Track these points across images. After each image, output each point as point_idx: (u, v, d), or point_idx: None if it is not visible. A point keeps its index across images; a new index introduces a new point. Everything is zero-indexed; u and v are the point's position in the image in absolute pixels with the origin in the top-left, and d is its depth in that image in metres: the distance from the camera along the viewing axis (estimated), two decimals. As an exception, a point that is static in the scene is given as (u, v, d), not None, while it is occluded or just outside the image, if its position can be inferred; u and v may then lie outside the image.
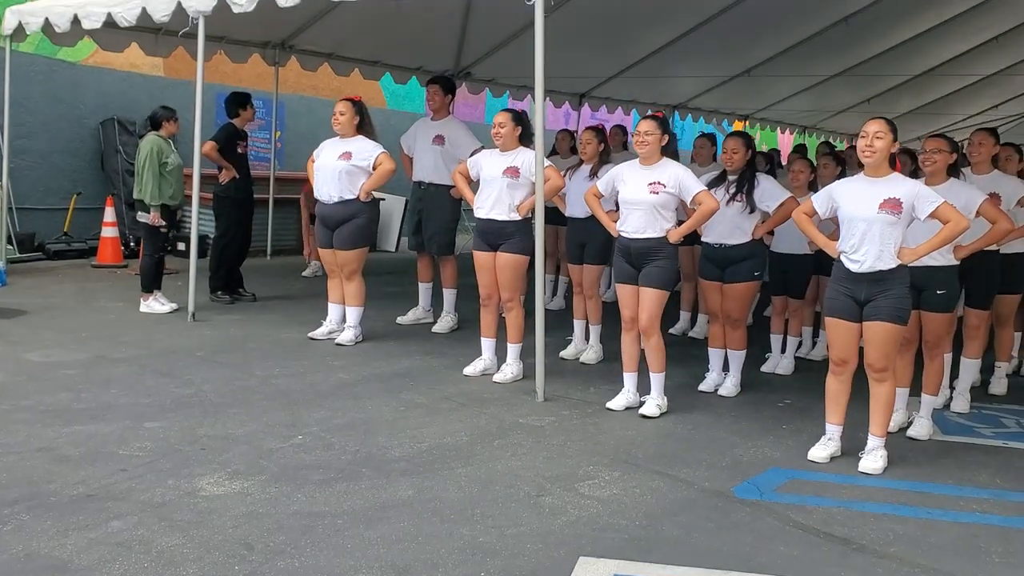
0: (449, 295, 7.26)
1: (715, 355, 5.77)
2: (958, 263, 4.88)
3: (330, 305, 6.69)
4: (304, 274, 9.60)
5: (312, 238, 9.07)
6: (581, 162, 6.47)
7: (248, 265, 8.33)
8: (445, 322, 7.21)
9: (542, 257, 5.59)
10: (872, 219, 4.28)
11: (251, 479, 3.96)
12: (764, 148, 18.36)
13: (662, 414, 5.11)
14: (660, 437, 4.79)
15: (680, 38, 10.17)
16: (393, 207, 12.11)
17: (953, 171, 4.96)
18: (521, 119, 5.85)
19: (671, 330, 7.37)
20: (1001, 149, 5.75)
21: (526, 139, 5.82)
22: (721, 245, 5.53)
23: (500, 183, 5.71)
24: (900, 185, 4.33)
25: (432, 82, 7.44)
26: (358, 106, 6.59)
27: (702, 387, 5.73)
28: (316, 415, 4.88)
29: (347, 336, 6.52)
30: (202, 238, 9.72)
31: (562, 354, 6.45)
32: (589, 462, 4.33)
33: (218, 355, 6.10)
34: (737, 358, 5.70)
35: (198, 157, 7.28)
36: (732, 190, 5.53)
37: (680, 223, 5.29)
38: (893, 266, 4.31)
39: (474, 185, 6.02)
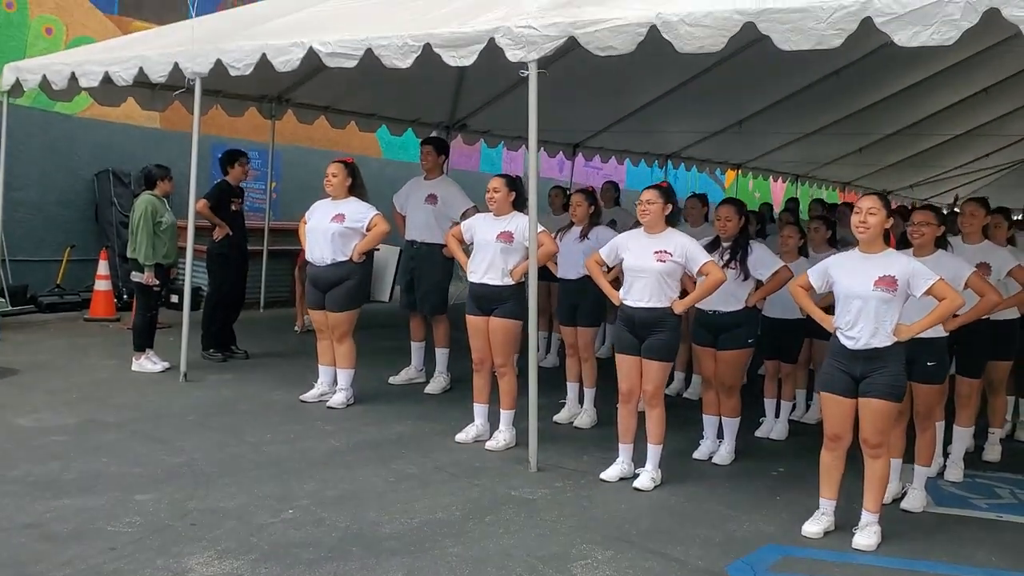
0: (441, 355, 7.25)
1: (709, 422, 5.75)
2: (948, 335, 4.89)
3: (320, 367, 6.67)
4: (296, 328, 9.57)
5: (303, 306, 9.00)
6: (572, 223, 6.51)
7: (241, 318, 8.32)
8: (438, 383, 7.19)
9: (535, 322, 5.59)
10: (867, 296, 4.29)
11: (241, 558, 3.91)
12: (756, 196, 18.55)
13: (656, 487, 5.08)
14: (654, 510, 4.76)
15: (672, 91, 10.26)
16: (388, 258, 12.07)
17: (941, 243, 4.98)
18: (515, 184, 5.86)
19: (665, 391, 7.34)
20: (991, 217, 5.78)
21: (520, 204, 5.83)
22: (715, 312, 5.54)
23: (494, 248, 5.71)
24: (895, 262, 4.35)
25: (425, 143, 7.50)
26: (350, 168, 6.62)
27: (696, 455, 5.71)
28: (307, 486, 4.84)
29: (338, 399, 6.50)
30: (195, 290, 9.71)
31: (556, 418, 6.42)
32: (582, 539, 4.29)
33: (210, 419, 6.06)
34: (731, 426, 5.69)
35: (192, 211, 7.32)
36: (726, 257, 5.56)
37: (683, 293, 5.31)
38: (889, 343, 4.31)
39: (468, 247, 6.03)
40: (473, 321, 5.82)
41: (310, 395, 6.61)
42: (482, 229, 5.82)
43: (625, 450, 5.23)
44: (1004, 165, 16.62)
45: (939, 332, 4.82)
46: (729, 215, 5.58)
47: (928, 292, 4.30)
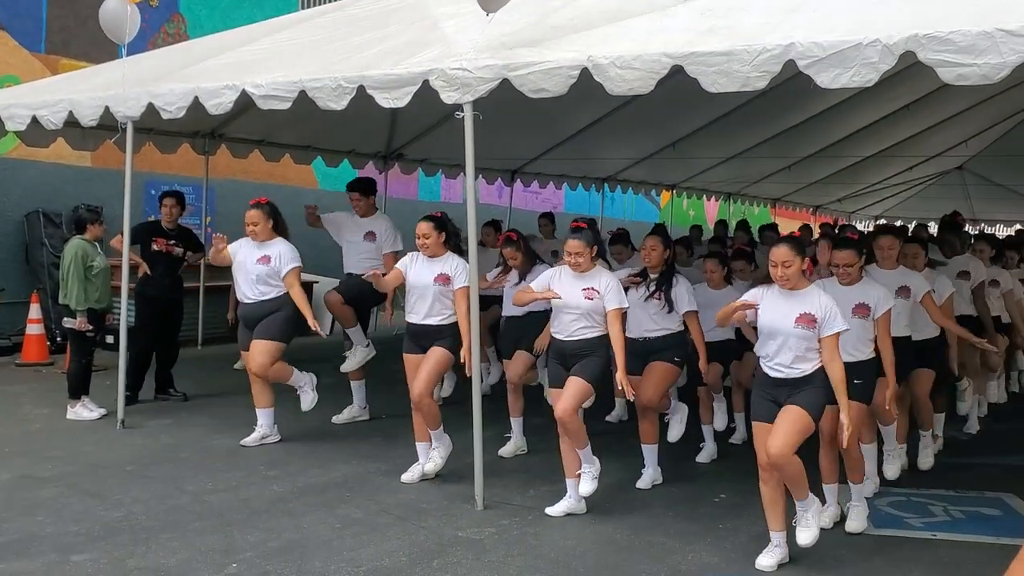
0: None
1: (649, 451, 5.83)
2: (874, 356, 5.07)
3: (258, 411, 6.61)
4: (236, 367, 9.44)
5: None
6: (509, 268, 6.54)
7: (180, 356, 8.19)
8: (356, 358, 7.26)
9: (478, 357, 5.60)
10: (788, 332, 4.43)
11: (185, 619, 3.85)
12: (691, 215, 18.87)
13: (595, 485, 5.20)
14: (600, 545, 4.80)
15: (606, 116, 10.40)
16: (326, 289, 12.02)
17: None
18: (444, 224, 5.86)
19: (608, 417, 7.43)
20: (907, 246, 5.95)
21: (452, 242, 5.87)
22: (644, 338, 5.67)
23: (432, 291, 5.74)
24: (816, 300, 4.47)
25: (351, 188, 7.45)
26: (268, 209, 6.58)
27: (640, 484, 5.78)
28: (251, 538, 4.78)
29: (252, 438, 6.51)
30: (132, 331, 9.54)
31: (501, 452, 6.44)
32: (530, 580, 4.32)
33: (149, 468, 5.95)
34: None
35: (127, 250, 7.22)
36: (652, 288, 5.70)
37: None
38: (811, 370, 4.44)
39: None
40: (411, 359, 5.84)
41: (251, 439, 6.53)
42: (417, 271, 5.83)
43: (572, 485, 5.27)
44: (926, 177, 17.15)
45: (868, 354, 5.02)
46: (654, 245, 5.72)
47: (827, 337, 4.40)
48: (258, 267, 6.44)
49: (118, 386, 7.05)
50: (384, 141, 11.12)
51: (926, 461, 6.28)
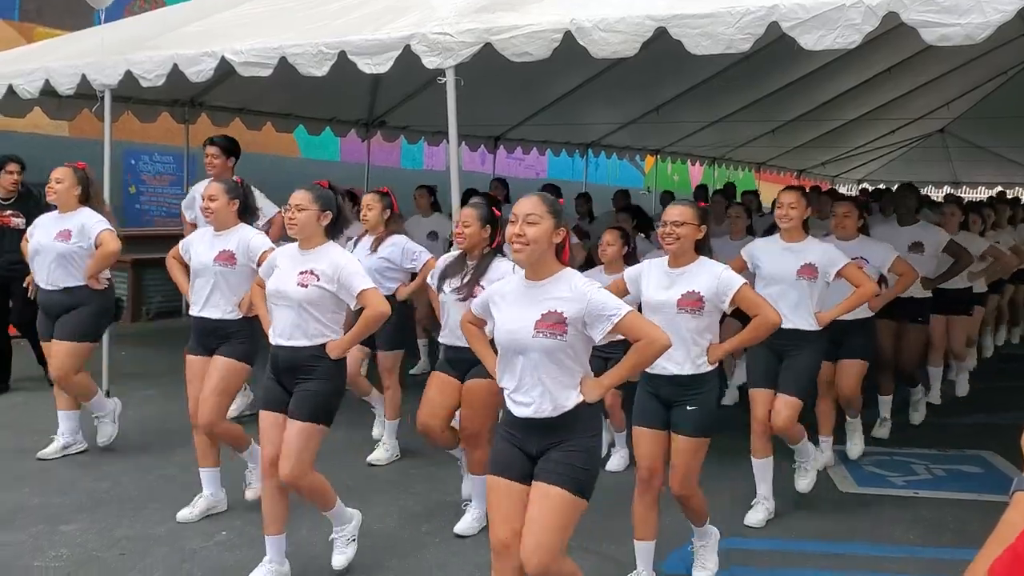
0: None
1: (479, 482, 4.55)
2: (715, 367, 3.83)
3: (59, 413, 5.69)
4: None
5: None
6: (365, 232, 5.68)
7: (162, 327, 8.13)
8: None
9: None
10: (528, 346, 3.00)
11: (175, 586, 3.88)
12: (675, 179, 18.83)
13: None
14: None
15: (590, 80, 10.36)
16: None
17: (703, 248, 3.88)
18: (237, 190, 4.63)
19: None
20: (837, 205, 5.43)
21: (246, 214, 4.71)
22: (458, 347, 4.31)
23: (212, 271, 4.53)
24: (565, 293, 3.00)
25: (211, 143, 6.42)
26: (80, 174, 5.47)
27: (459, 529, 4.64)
28: (240, 506, 4.79)
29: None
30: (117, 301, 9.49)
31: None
32: (518, 543, 4.35)
33: (135, 439, 5.94)
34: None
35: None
36: (467, 279, 4.32)
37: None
38: (571, 406, 3.01)
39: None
40: (192, 363, 4.63)
41: (49, 450, 5.58)
42: (198, 249, 4.61)
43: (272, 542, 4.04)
44: (909, 140, 17.20)
45: (703, 367, 3.76)
46: (468, 221, 4.36)
47: (616, 329, 2.97)
48: (57, 244, 5.29)
49: (103, 356, 7.00)
50: (366, 108, 11.04)
51: (855, 449, 5.69)
